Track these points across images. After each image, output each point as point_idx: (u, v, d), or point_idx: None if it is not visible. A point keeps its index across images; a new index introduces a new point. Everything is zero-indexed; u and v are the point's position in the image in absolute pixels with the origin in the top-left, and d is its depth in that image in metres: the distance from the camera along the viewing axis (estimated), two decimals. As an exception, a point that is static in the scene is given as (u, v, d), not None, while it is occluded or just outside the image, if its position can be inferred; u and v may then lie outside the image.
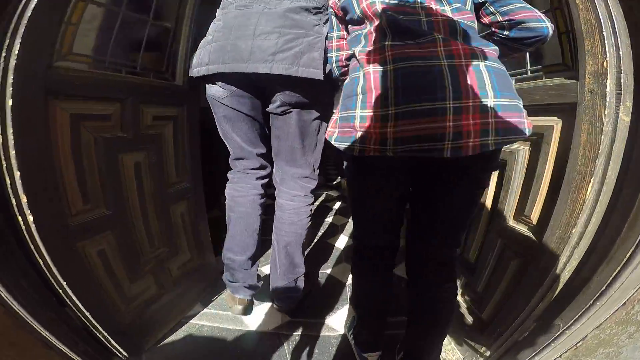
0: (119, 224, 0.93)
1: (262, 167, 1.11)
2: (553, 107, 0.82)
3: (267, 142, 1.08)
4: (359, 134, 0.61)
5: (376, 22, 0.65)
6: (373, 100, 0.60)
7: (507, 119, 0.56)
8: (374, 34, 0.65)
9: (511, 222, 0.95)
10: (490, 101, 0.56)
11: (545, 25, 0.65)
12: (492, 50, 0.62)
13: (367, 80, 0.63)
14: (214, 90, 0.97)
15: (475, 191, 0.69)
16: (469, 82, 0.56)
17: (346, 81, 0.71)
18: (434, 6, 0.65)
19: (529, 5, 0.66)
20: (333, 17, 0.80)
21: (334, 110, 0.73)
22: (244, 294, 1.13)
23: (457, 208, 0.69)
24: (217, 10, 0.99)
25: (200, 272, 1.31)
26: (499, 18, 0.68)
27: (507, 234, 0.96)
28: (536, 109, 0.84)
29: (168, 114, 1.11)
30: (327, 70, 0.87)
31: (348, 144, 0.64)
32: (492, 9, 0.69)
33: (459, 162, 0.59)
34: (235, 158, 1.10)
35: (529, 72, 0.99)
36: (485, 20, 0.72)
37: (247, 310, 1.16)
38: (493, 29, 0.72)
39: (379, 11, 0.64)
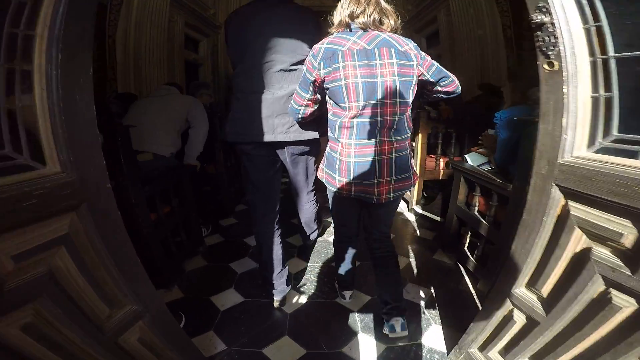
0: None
1: (278, 220, 1.59)
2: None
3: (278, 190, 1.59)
4: (337, 185, 1.18)
5: (352, 116, 1.08)
6: (344, 176, 1.15)
7: (400, 185, 1.15)
8: (346, 130, 1.11)
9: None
10: (392, 179, 1.13)
11: (460, 88, 1.20)
12: (405, 140, 1.13)
13: (341, 164, 1.15)
14: (247, 149, 1.42)
15: (391, 210, 1.34)
16: (385, 169, 1.11)
17: (328, 154, 1.23)
18: (389, 108, 1.07)
19: (455, 78, 1.17)
20: (310, 81, 1.12)
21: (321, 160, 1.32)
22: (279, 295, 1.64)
23: (383, 217, 1.34)
24: (237, 93, 1.41)
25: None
26: (440, 89, 1.18)
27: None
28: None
29: (47, 238, 0.65)
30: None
31: (332, 188, 1.22)
32: (438, 87, 1.17)
33: (380, 201, 1.16)
34: (262, 214, 1.53)
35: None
36: (430, 88, 1.19)
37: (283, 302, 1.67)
38: (429, 92, 1.23)
39: (359, 112, 1.07)
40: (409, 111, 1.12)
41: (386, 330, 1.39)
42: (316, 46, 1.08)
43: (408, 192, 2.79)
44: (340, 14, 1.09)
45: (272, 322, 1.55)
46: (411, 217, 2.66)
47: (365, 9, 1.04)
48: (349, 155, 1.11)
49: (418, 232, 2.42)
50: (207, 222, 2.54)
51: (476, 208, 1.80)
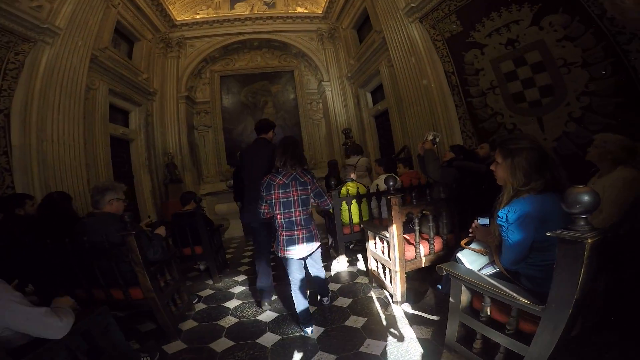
0: None
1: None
2: None
3: None
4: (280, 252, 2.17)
5: (279, 217, 2.11)
6: (282, 245, 2.14)
7: (310, 247, 2.16)
8: (280, 223, 2.13)
9: None
10: (304, 245, 2.13)
11: (330, 206, 2.44)
12: (310, 226, 2.15)
13: (279, 240, 2.15)
14: (256, 225, 2.61)
15: (314, 259, 2.31)
16: (301, 241, 2.13)
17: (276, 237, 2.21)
18: (298, 212, 2.11)
19: (328, 199, 2.26)
20: (262, 197, 2.15)
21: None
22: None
23: (311, 262, 2.32)
24: (248, 192, 2.66)
25: None
26: (317, 202, 2.20)
27: None
28: None
29: None
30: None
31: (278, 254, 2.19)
32: (316, 200, 2.19)
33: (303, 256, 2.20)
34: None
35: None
36: (314, 201, 2.20)
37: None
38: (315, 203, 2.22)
39: (282, 215, 2.10)
40: (309, 211, 2.18)
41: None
42: (264, 179, 2.15)
43: (390, 286, 2.43)
44: (275, 163, 2.16)
45: None
46: (399, 312, 2.26)
47: (285, 161, 2.11)
48: (282, 236, 2.13)
49: (412, 330, 2.03)
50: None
51: (487, 317, 1.48)
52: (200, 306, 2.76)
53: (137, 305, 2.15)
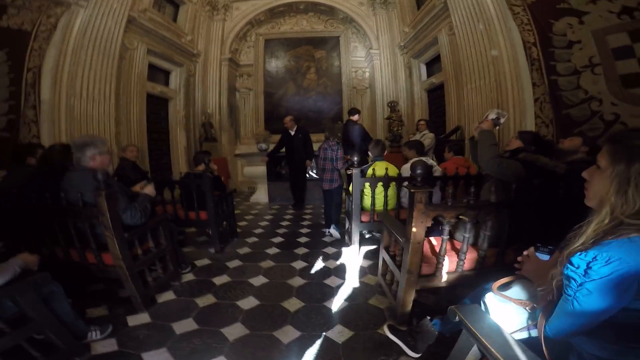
0: None
1: None
2: None
3: None
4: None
5: None
6: None
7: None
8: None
9: None
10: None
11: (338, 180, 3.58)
12: (336, 165, 3.58)
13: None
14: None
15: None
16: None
17: None
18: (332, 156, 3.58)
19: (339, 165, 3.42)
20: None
21: None
22: None
23: None
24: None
25: None
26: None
27: None
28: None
29: None
30: None
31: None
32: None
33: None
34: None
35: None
36: None
37: None
38: None
39: None
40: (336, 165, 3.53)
41: None
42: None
43: (392, 299, 1.93)
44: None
45: None
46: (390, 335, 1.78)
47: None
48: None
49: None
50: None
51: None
52: (189, 277, 2.59)
53: (107, 272, 2.00)
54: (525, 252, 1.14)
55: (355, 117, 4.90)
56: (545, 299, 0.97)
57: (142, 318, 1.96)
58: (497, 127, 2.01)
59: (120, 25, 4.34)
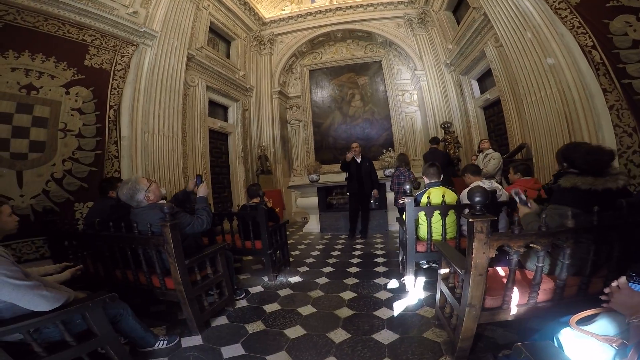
0: None
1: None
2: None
3: None
4: None
5: None
6: None
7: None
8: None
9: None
10: None
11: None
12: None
13: None
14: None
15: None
16: None
17: None
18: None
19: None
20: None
21: None
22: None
23: None
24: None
25: None
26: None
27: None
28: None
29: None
30: None
31: None
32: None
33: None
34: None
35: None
36: None
37: None
38: None
39: None
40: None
41: None
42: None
43: (451, 332, 1.72)
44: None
45: None
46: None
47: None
48: None
49: None
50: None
51: None
52: (242, 303, 2.69)
53: (169, 295, 2.20)
54: (614, 283, 0.96)
55: (438, 146, 5.42)
56: (639, 334, 0.79)
57: (195, 340, 2.07)
58: (522, 202, 1.97)
59: (181, 62, 4.80)
